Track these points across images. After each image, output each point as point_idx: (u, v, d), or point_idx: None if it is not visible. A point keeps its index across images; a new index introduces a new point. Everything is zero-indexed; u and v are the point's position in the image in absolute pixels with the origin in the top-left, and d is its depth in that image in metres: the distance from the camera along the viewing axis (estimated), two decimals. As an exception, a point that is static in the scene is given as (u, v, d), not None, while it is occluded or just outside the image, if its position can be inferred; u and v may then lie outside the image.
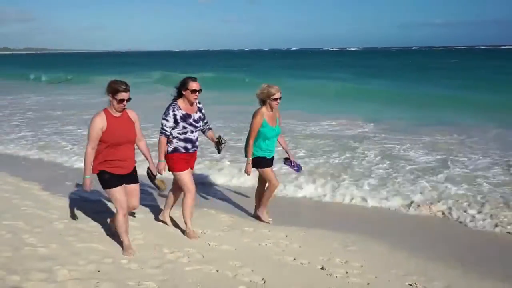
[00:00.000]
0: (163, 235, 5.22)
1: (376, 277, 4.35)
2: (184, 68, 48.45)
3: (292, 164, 5.83)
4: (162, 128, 4.94)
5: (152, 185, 5.03)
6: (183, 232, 5.29)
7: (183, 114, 4.94)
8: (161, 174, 5.00)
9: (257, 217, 5.97)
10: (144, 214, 5.91)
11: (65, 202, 6.31)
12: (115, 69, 48.04)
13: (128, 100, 4.33)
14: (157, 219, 5.71)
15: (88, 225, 5.40)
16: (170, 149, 5.00)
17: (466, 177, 7.85)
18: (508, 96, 18.94)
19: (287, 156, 5.86)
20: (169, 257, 4.56)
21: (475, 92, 21.08)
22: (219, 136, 5.24)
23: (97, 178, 4.49)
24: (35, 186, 7.30)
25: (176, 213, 5.83)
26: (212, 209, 6.33)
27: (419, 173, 8.10)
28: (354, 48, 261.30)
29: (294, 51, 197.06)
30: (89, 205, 6.19)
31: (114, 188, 4.45)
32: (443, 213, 6.34)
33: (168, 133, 4.95)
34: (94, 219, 5.59)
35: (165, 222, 5.59)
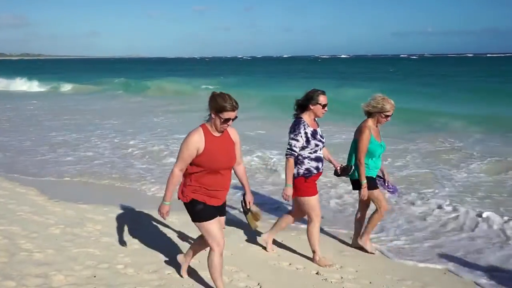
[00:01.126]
0: (159, 240, 5.23)
1: (370, 282, 4.37)
2: (148, 74, 49.72)
3: (387, 185, 5.13)
4: (290, 149, 4.48)
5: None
6: (181, 237, 5.31)
7: (312, 131, 4.54)
8: (287, 200, 4.64)
9: (359, 247, 5.23)
10: (141, 218, 5.92)
11: (61, 207, 6.31)
12: (86, 75, 48.76)
13: (234, 119, 3.59)
14: (154, 224, 5.72)
15: (84, 230, 5.41)
16: (301, 171, 4.54)
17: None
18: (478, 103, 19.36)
19: (379, 175, 5.15)
20: (165, 263, 4.57)
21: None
22: (349, 166, 4.84)
23: (185, 207, 3.74)
24: (32, 191, 7.29)
25: (174, 220, 5.85)
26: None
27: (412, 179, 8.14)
28: (344, 55, 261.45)
29: (286, 58, 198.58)
30: (85, 210, 6.20)
31: (209, 221, 3.66)
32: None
33: (297, 154, 4.51)
34: (90, 224, 5.59)
35: (264, 247, 5.10)
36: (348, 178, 5.11)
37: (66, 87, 35.98)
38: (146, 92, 30.10)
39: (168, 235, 5.42)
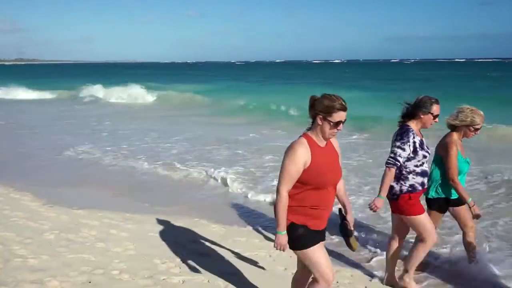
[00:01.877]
0: (154, 245, 5.22)
1: (366, 287, 4.40)
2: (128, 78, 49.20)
3: None
4: (394, 158, 4.03)
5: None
6: (177, 243, 5.30)
7: (420, 141, 4.10)
8: (375, 211, 4.16)
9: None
10: (136, 224, 5.91)
11: (56, 213, 6.29)
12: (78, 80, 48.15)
13: (344, 122, 3.06)
14: (149, 229, 5.70)
15: (79, 235, 5.39)
16: (405, 188, 4.08)
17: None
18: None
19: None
20: (160, 268, 4.57)
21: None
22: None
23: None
24: (26, 196, 7.26)
25: (170, 225, 5.85)
26: (203, 219, 6.34)
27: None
28: (337, 60, 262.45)
29: (279, 63, 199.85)
30: (80, 216, 6.18)
31: (312, 248, 3.11)
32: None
33: (399, 165, 4.08)
34: (85, 230, 5.58)
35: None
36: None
37: (48, 94, 34.23)
38: (132, 97, 29.81)
39: (164, 240, 5.41)
